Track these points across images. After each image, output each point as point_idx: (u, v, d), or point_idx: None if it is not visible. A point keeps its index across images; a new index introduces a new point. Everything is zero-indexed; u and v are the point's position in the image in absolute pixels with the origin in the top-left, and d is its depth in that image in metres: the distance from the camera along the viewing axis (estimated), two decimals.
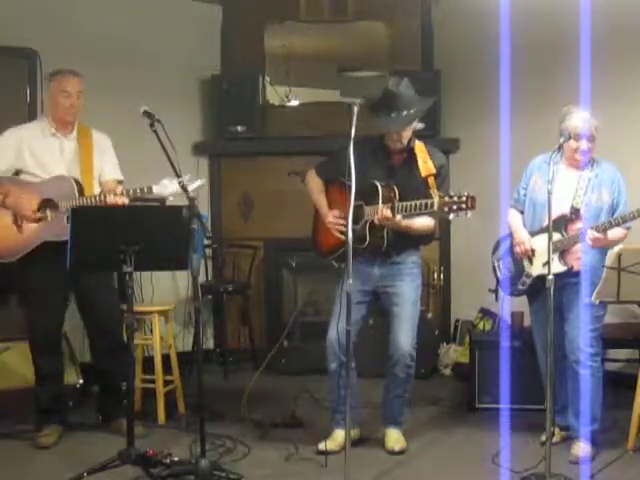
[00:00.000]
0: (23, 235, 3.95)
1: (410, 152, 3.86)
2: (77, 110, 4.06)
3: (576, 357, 3.78)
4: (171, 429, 4.33)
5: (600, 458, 3.76)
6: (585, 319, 3.74)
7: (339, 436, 3.92)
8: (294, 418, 4.37)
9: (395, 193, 3.74)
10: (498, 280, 4.11)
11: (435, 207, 3.48)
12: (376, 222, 3.73)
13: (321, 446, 3.85)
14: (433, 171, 3.77)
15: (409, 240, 3.87)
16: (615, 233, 3.68)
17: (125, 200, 3.86)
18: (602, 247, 3.68)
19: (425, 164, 3.80)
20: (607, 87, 4.54)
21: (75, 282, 4.04)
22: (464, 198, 3.40)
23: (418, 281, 3.96)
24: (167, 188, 3.70)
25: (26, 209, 3.92)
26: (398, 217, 3.66)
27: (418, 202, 3.59)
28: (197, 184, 3.66)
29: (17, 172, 4.04)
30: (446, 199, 3.44)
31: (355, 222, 3.72)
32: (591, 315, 3.75)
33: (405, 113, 3.73)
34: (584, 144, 3.75)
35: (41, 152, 4.02)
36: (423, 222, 3.80)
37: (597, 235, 3.60)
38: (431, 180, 3.72)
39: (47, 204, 3.94)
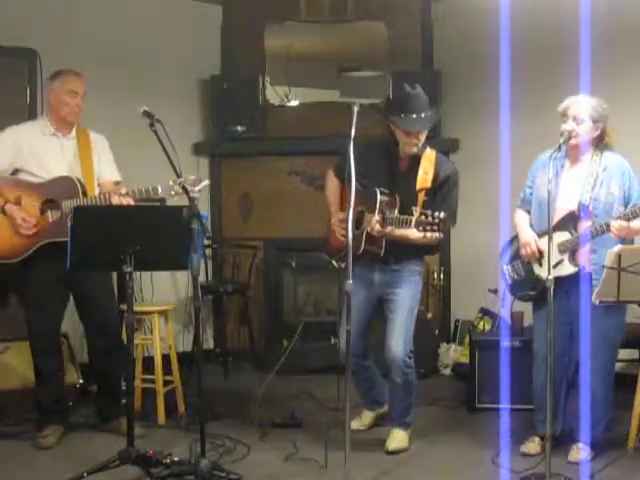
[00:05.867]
0: (21, 239, 3.91)
1: (417, 160, 3.87)
2: (80, 111, 4.06)
3: (590, 365, 3.70)
4: (171, 429, 4.32)
5: (600, 458, 3.76)
6: (600, 324, 3.66)
7: (366, 416, 4.28)
8: (294, 418, 4.37)
9: (396, 202, 3.75)
10: (508, 285, 4.02)
11: (412, 225, 3.50)
12: (368, 231, 3.77)
13: (353, 425, 4.05)
14: (427, 185, 3.80)
15: (408, 248, 3.85)
16: (636, 225, 3.55)
17: (130, 201, 3.86)
18: (625, 238, 3.54)
19: (425, 175, 3.82)
20: (607, 86, 4.53)
21: (74, 282, 4.03)
22: (437, 220, 3.40)
23: (416, 288, 3.96)
24: (172, 189, 3.72)
25: (22, 223, 3.87)
26: (389, 229, 3.70)
27: (401, 217, 3.64)
28: (202, 185, 3.69)
29: (15, 171, 4.00)
30: (422, 218, 3.44)
31: (357, 227, 3.79)
32: (608, 321, 3.68)
33: (424, 115, 3.78)
34: (569, 125, 3.64)
35: (41, 151, 4.01)
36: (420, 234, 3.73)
37: (623, 224, 3.47)
38: (421, 195, 3.78)
39: (50, 205, 3.92)
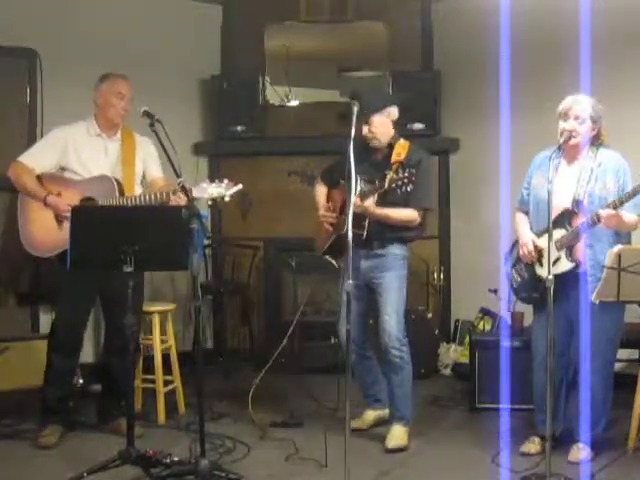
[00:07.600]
0: (63, 232, 3.94)
1: (391, 148, 4.06)
2: (126, 113, 4.10)
3: (590, 365, 3.69)
4: (171, 429, 4.33)
5: (600, 458, 3.76)
6: (598, 324, 3.65)
7: (368, 416, 4.27)
8: (294, 418, 4.38)
9: (376, 186, 3.91)
10: (512, 288, 4.00)
11: (386, 184, 3.73)
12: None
13: (353, 424, 4.00)
14: (400, 159, 3.98)
15: (390, 231, 4.00)
16: (629, 217, 3.56)
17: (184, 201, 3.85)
18: (616, 227, 3.55)
19: (397, 156, 4.02)
20: (607, 86, 4.54)
21: (111, 279, 3.95)
22: (407, 174, 3.67)
23: (402, 271, 4.08)
24: (206, 191, 3.82)
25: (65, 210, 3.91)
26: (367, 202, 3.85)
27: (378, 184, 3.83)
28: (235, 189, 3.86)
29: (60, 169, 4.08)
30: (394, 176, 3.70)
31: (342, 212, 4.05)
32: (606, 320, 3.67)
33: (367, 110, 3.95)
34: (570, 124, 3.65)
35: (85, 152, 4.07)
36: (401, 212, 3.97)
37: (611, 212, 3.46)
38: (394, 166, 3.94)
39: (88, 203, 3.95)
